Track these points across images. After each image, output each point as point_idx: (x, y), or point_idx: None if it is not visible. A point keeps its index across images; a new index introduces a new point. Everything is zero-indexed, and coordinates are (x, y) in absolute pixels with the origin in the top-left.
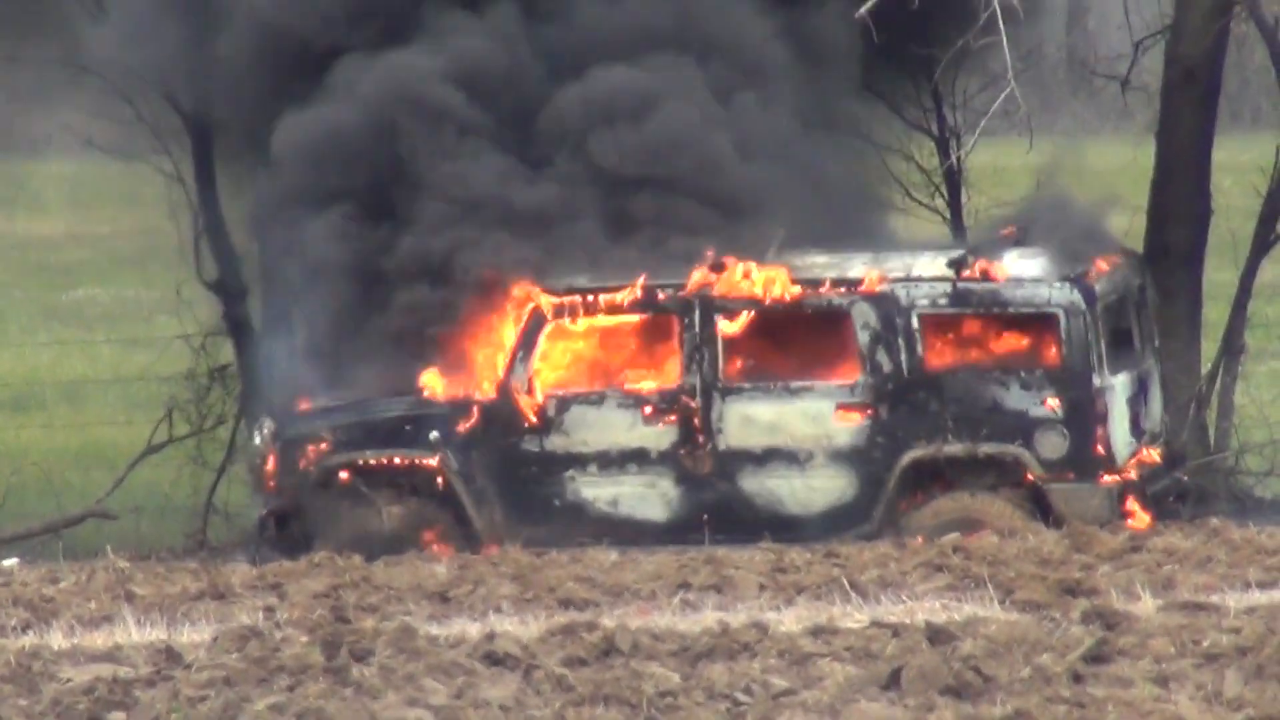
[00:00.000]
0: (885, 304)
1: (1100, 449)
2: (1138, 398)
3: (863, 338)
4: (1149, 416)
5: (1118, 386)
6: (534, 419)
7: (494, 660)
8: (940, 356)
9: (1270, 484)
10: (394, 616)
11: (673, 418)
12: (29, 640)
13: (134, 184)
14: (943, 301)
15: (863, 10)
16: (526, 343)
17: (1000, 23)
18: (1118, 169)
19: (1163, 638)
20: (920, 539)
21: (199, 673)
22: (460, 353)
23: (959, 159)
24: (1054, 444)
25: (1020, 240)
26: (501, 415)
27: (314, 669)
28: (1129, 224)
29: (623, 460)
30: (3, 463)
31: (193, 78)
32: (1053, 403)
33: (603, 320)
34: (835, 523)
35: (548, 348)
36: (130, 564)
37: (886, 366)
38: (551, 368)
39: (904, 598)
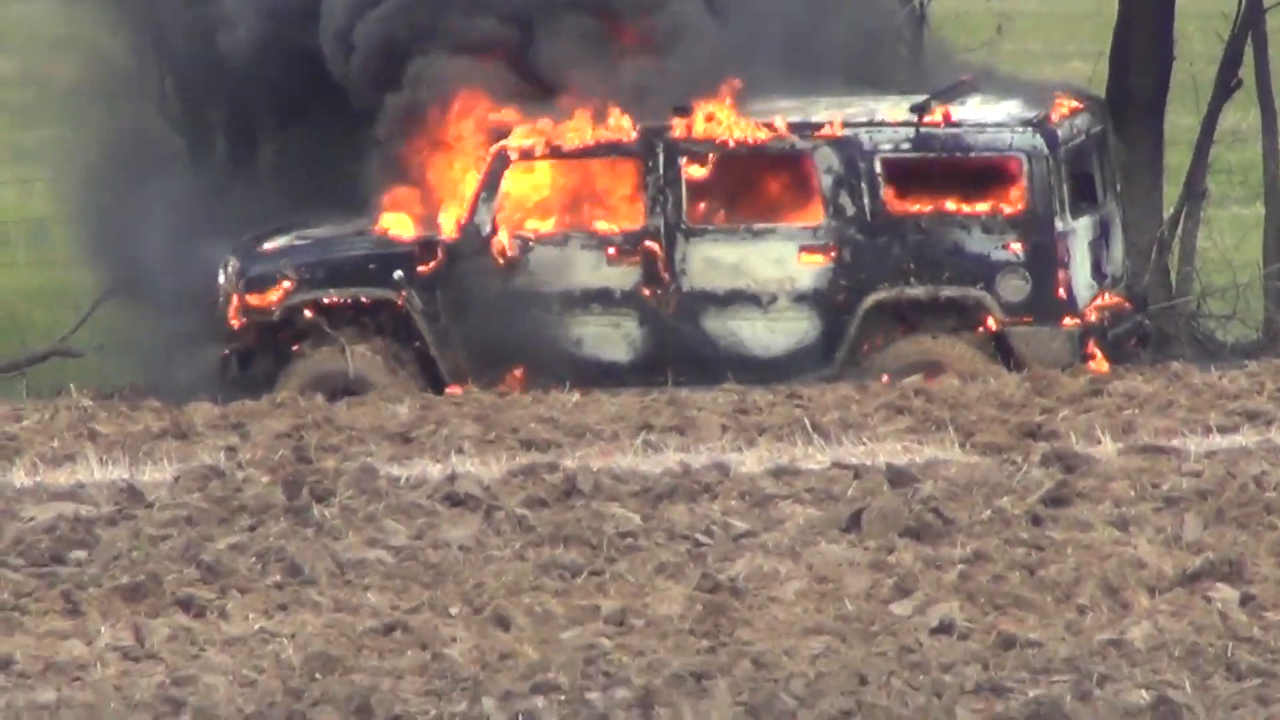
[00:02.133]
0: (848, 148)
1: (1061, 293)
2: (1100, 242)
3: (826, 182)
4: (1111, 261)
5: (1080, 230)
6: (499, 259)
7: (455, 501)
8: (903, 200)
9: (1231, 328)
10: (355, 457)
11: (636, 259)
12: None
13: (97, 19)
14: (905, 146)
15: None
16: (490, 182)
17: None
18: (1081, 15)
19: (1122, 481)
20: (882, 381)
21: (161, 511)
22: (425, 192)
23: (921, 3)
24: (1015, 287)
25: (969, 91)
26: (467, 255)
27: (275, 509)
28: (1092, 70)
29: (586, 301)
30: None
31: None
32: (1015, 247)
33: (567, 161)
34: (797, 364)
35: (512, 188)
36: (93, 403)
37: (849, 210)
38: (515, 208)
39: (865, 440)
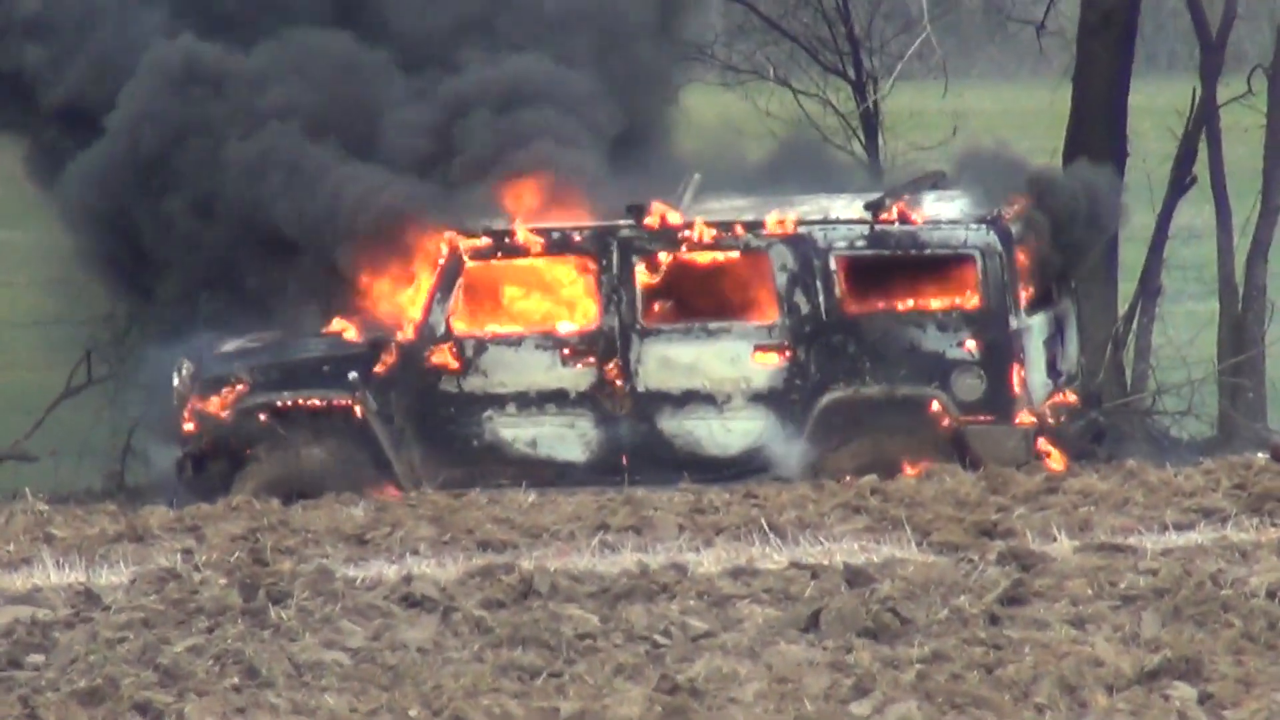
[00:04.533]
0: (803, 246)
1: (1016, 390)
2: (1054, 339)
3: (780, 280)
4: (1066, 358)
5: (1034, 328)
6: (453, 361)
7: (412, 602)
8: (858, 299)
9: (1187, 424)
10: (311, 559)
11: (591, 359)
12: None
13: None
14: (860, 244)
15: None
16: (445, 284)
17: None
18: (1034, 113)
19: (1079, 579)
20: (841, 481)
21: (118, 614)
22: (378, 294)
23: (876, 103)
24: (970, 386)
25: (938, 184)
26: (421, 357)
27: (232, 611)
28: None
29: (541, 401)
30: None
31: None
32: (970, 344)
33: (520, 262)
34: (755, 465)
35: (465, 289)
36: (49, 506)
37: (804, 308)
38: (469, 309)
39: (822, 539)
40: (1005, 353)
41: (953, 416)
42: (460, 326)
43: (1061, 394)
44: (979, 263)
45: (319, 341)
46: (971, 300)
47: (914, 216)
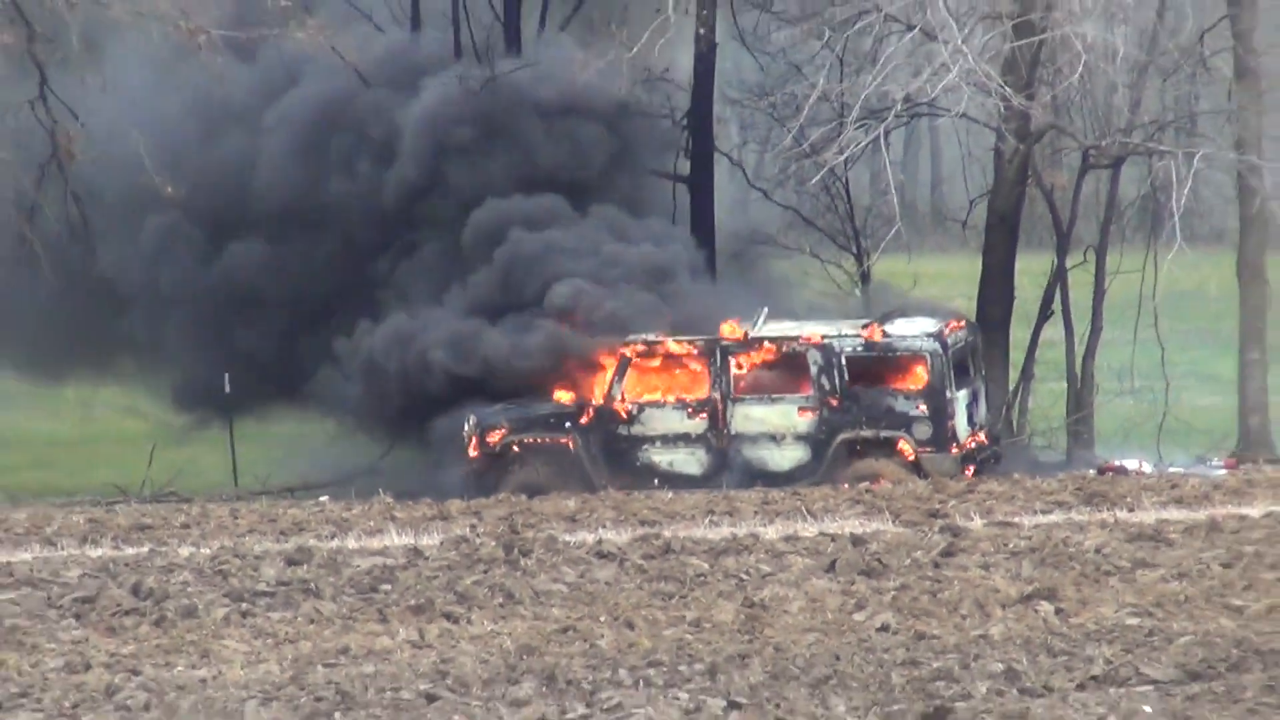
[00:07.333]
0: (826, 350)
1: (950, 434)
2: (972, 403)
3: (813, 369)
4: (978, 414)
5: (960, 397)
6: (624, 416)
7: (602, 555)
8: (857, 380)
9: (1048, 454)
10: (544, 530)
11: (704, 415)
12: (334, 543)
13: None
14: (859, 348)
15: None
16: (619, 372)
17: (893, 189)
18: (961, 274)
19: (986, 542)
20: (846, 486)
21: (432, 562)
22: (582, 379)
23: (869, 267)
24: (923, 430)
25: (896, 316)
26: (606, 414)
27: (498, 561)
28: (969, 303)
29: (675, 440)
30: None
31: None
32: (923, 407)
33: (663, 359)
34: (798, 476)
35: (630, 374)
36: (393, 501)
37: (827, 385)
38: (634, 386)
39: (838, 519)
40: (944, 412)
41: (913, 449)
42: (628, 396)
43: (976, 435)
44: (929, 360)
45: (548, 405)
46: (923, 382)
47: (889, 332)
